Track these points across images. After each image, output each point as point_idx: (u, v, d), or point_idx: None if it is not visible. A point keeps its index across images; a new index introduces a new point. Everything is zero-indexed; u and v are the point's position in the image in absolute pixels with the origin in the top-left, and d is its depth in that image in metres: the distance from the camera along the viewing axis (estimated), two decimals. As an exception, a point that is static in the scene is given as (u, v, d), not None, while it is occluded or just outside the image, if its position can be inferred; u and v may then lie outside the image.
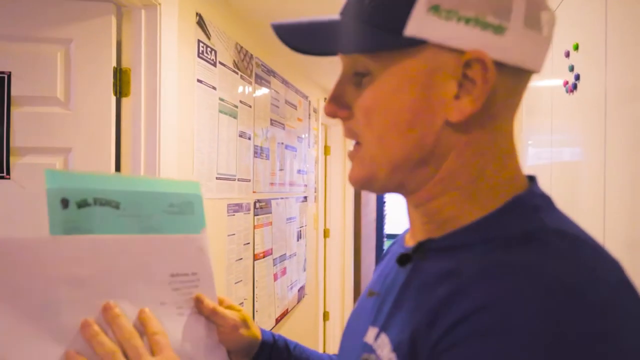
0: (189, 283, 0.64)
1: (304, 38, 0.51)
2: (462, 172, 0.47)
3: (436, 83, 0.44)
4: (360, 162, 0.49)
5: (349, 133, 0.50)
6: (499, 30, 0.43)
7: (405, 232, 0.62)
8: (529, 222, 0.44)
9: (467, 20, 0.42)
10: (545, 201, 0.47)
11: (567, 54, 1.22)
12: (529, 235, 0.42)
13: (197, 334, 0.63)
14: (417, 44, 0.43)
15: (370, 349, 0.49)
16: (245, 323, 0.68)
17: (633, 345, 0.37)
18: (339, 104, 0.49)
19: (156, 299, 0.60)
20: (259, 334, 0.71)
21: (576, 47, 1.16)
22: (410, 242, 0.55)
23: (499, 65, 0.43)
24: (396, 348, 0.45)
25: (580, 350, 0.35)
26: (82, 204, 0.59)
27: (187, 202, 0.67)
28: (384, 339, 0.48)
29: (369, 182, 0.49)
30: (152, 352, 0.55)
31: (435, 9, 0.42)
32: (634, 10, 0.91)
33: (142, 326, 0.57)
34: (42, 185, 1.47)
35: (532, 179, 0.50)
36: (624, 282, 0.40)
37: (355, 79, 0.48)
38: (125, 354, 0.53)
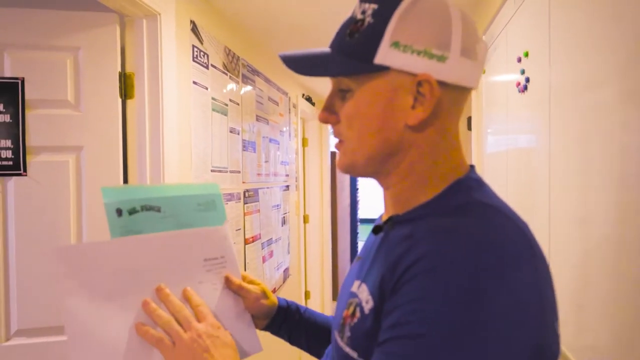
0: (218, 265, 0.79)
1: (304, 65, 0.64)
2: (420, 162, 0.62)
3: (397, 97, 0.60)
4: (344, 154, 0.65)
5: (337, 134, 0.66)
6: (441, 59, 0.58)
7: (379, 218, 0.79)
8: (463, 198, 0.59)
9: (418, 53, 0.58)
10: (478, 183, 0.63)
11: (519, 60, 1.43)
12: (461, 207, 0.58)
13: (229, 304, 0.80)
14: (383, 69, 0.59)
15: (354, 295, 0.63)
16: (264, 294, 0.86)
17: (525, 284, 0.50)
18: (330, 113, 0.65)
19: (195, 279, 0.75)
20: (276, 301, 0.89)
21: (526, 54, 1.37)
22: (383, 219, 0.70)
23: (443, 84, 0.59)
24: (371, 292, 0.58)
25: (488, 282, 0.48)
26: (132, 212, 0.74)
27: (210, 200, 0.82)
28: (364, 286, 0.61)
29: (351, 168, 0.66)
30: (198, 320, 0.71)
31: (395, 44, 0.58)
32: (573, 24, 1.08)
33: (186, 301, 0.73)
34: (57, 181, 1.69)
35: (472, 167, 0.66)
36: (527, 241, 0.54)
37: (340, 94, 0.64)
38: (178, 322, 0.69)
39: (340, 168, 0.68)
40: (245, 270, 2.30)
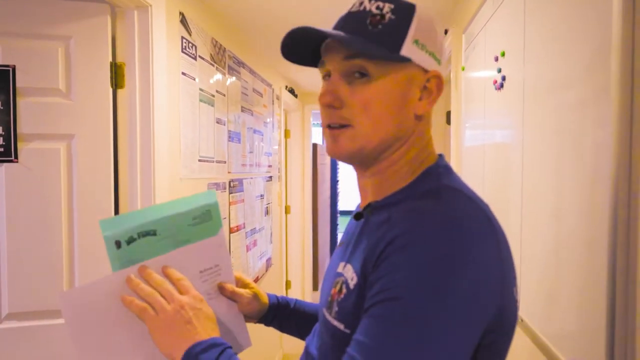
0: (213, 274, 0.82)
1: (343, 40, 0.64)
2: (413, 149, 0.70)
3: (411, 88, 0.67)
4: (350, 139, 0.67)
5: (340, 118, 0.67)
6: (439, 62, 0.69)
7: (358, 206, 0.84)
8: (432, 183, 0.66)
9: (429, 53, 0.68)
10: (446, 169, 0.70)
11: (496, 59, 1.51)
12: (430, 191, 0.65)
13: (223, 310, 0.84)
14: (406, 60, 0.66)
15: (340, 275, 0.68)
16: (256, 296, 0.91)
17: (487, 253, 0.58)
18: (336, 95, 0.67)
19: (207, 288, 0.80)
20: (267, 301, 0.94)
21: (503, 54, 1.46)
22: (362, 206, 0.75)
23: None
24: (355, 270, 0.64)
25: (454, 251, 0.55)
26: (130, 241, 0.75)
27: (206, 211, 0.83)
28: (349, 266, 0.67)
29: (358, 152, 0.68)
30: (180, 293, 0.74)
31: (416, 42, 0.66)
32: (546, 25, 1.15)
33: (167, 277, 0.75)
34: (48, 168, 1.73)
35: (440, 155, 0.74)
36: (487, 217, 0.62)
37: (347, 79, 0.66)
38: (161, 296, 0.72)
39: (341, 153, 0.68)
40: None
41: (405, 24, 0.66)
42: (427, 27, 0.67)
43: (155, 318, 0.71)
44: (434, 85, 0.68)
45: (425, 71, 0.68)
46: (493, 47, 1.55)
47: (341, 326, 0.64)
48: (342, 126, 0.67)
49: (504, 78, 1.45)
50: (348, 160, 0.70)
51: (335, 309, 0.66)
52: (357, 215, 0.72)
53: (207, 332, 0.71)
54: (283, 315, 0.97)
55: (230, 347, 0.70)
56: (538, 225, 1.16)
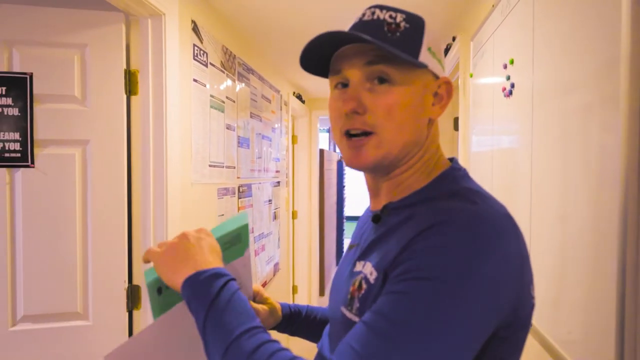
0: None
1: (375, 44, 0.64)
2: (427, 153, 0.72)
3: (426, 93, 0.70)
4: (376, 146, 0.67)
5: (363, 125, 0.67)
6: (444, 69, 0.72)
7: (368, 209, 0.84)
8: (453, 186, 0.68)
9: (438, 60, 0.71)
10: (462, 172, 0.72)
11: (505, 66, 1.53)
12: (453, 192, 0.66)
13: None
14: (424, 67, 0.68)
15: (358, 273, 0.68)
16: (272, 311, 0.93)
17: (510, 250, 0.59)
18: (358, 102, 0.67)
19: None
20: (280, 314, 0.95)
21: (512, 62, 1.48)
22: (375, 207, 0.76)
23: None
24: (375, 266, 0.65)
25: (482, 246, 0.57)
26: (168, 286, 0.73)
27: (236, 235, 0.85)
28: (367, 264, 0.67)
29: (382, 160, 0.68)
30: None
31: (429, 49, 0.69)
32: (555, 32, 1.17)
33: None
34: (63, 173, 1.74)
35: (452, 159, 0.75)
36: (509, 216, 0.64)
37: (367, 86, 0.67)
38: None
39: (367, 162, 0.68)
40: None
41: (420, 32, 0.68)
42: (434, 36, 0.70)
43: (161, 252, 0.71)
44: (445, 91, 0.71)
45: (436, 77, 0.71)
46: (502, 54, 1.57)
47: None
48: (365, 134, 0.67)
49: (512, 85, 1.47)
50: (372, 169, 0.71)
51: (357, 305, 0.66)
52: (376, 218, 0.72)
53: (210, 261, 0.69)
54: (295, 324, 0.98)
55: (235, 279, 0.68)
56: (546, 229, 1.18)
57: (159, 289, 0.74)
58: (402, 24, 0.67)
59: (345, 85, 0.70)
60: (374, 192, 0.76)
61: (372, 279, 0.64)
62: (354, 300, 0.67)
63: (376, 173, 0.73)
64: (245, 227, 0.86)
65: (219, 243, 0.82)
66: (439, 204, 0.64)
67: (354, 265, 0.71)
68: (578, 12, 1.04)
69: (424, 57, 0.68)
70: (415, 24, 0.68)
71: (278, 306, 0.96)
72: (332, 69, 0.71)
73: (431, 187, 0.69)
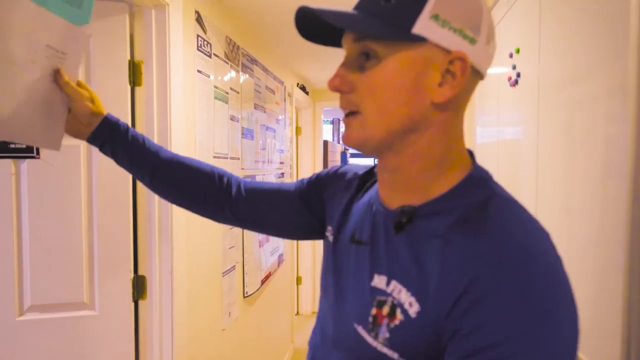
0: (57, 58, 0.79)
1: (333, 17, 0.57)
2: (437, 145, 0.60)
3: (427, 71, 0.57)
4: (360, 126, 0.60)
5: (347, 104, 0.61)
6: (472, 41, 0.57)
7: (358, 173, 0.80)
8: (484, 192, 0.59)
9: (455, 30, 0.57)
10: (488, 174, 0.63)
11: (511, 55, 1.52)
12: (485, 202, 0.58)
13: (50, 94, 0.80)
14: (420, 40, 0.56)
15: (384, 293, 0.60)
16: (91, 99, 0.88)
17: (567, 282, 0.53)
18: (343, 80, 0.60)
19: (30, 55, 0.75)
20: (102, 111, 0.90)
21: (518, 51, 1.47)
22: (389, 203, 0.66)
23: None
24: (415, 295, 0.56)
25: (550, 292, 0.50)
26: None
27: None
28: (397, 285, 0.59)
29: (365, 141, 0.61)
30: None
31: (435, 17, 0.56)
32: (562, 22, 1.16)
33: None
34: (68, 164, 1.76)
35: (471, 153, 0.65)
36: (548, 234, 0.56)
37: (358, 62, 0.60)
38: None
39: (350, 142, 0.62)
40: (243, 255, 2.39)
41: None
42: (457, 3, 0.57)
43: None
44: (459, 68, 0.57)
45: (448, 52, 0.57)
46: (507, 43, 1.56)
47: (395, 355, 0.58)
48: (352, 113, 0.61)
49: (518, 75, 1.46)
50: (358, 148, 0.63)
51: (386, 335, 0.58)
52: (399, 226, 0.62)
53: None
54: (120, 140, 0.90)
55: None
56: (552, 221, 1.17)
57: None
58: None
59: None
60: (383, 184, 0.68)
61: (412, 312, 0.57)
62: (379, 327, 0.59)
63: (372, 155, 0.65)
64: None
65: None
66: (480, 226, 0.56)
67: (371, 277, 0.63)
68: (586, 1, 1.02)
69: (427, 26, 0.56)
70: None
71: (101, 103, 0.90)
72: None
73: (459, 192, 0.60)
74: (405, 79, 0.57)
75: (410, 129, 0.60)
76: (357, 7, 0.60)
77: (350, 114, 0.62)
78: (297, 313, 4.38)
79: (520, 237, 0.54)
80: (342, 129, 0.68)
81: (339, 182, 0.84)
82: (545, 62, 1.26)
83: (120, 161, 0.93)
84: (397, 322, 0.58)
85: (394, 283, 0.59)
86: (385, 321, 0.59)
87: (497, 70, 1.71)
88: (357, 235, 0.70)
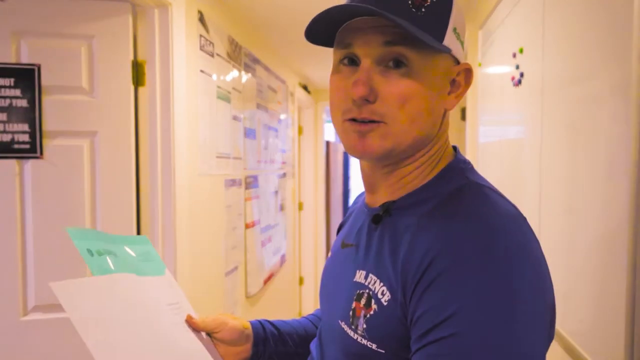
0: (177, 309, 0.81)
1: (393, 19, 0.54)
2: (437, 147, 0.63)
3: (444, 82, 0.60)
4: (383, 137, 0.58)
5: (372, 113, 0.57)
6: (463, 52, 0.62)
7: (361, 196, 0.78)
8: (459, 180, 0.61)
9: (461, 42, 0.61)
10: (467, 165, 0.64)
11: (514, 55, 1.52)
12: (459, 189, 0.59)
13: (201, 341, 0.79)
14: (447, 51, 0.58)
15: (363, 286, 0.61)
16: (227, 317, 0.82)
17: (538, 258, 0.54)
18: (371, 89, 0.57)
19: (171, 321, 0.77)
20: (245, 321, 0.84)
21: (521, 51, 1.46)
22: (372, 204, 0.67)
23: None
24: (386, 284, 0.58)
25: (511, 267, 0.50)
26: (99, 253, 0.77)
27: (146, 252, 0.84)
28: (372, 277, 0.60)
29: (391, 152, 0.59)
30: None
31: (454, 30, 0.59)
32: (565, 21, 1.16)
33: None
34: (72, 164, 1.76)
35: (455, 148, 0.68)
36: (523, 217, 0.58)
37: (380, 69, 0.57)
38: None
39: (372, 152, 0.60)
40: (246, 255, 2.39)
41: (448, 7, 0.58)
42: (461, 14, 0.61)
43: None
44: (463, 79, 0.61)
45: (457, 63, 0.61)
46: (511, 43, 1.56)
47: (373, 345, 0.58)
48: (372, 121, 0.58)
49: (522, 75, 1.46)
50: (377, 160, 0.62)
51: (364, 326, 0.59)
52: (376, 219, 0.63)
53: None
54: (274, 336, 0.85)
55: None
56: (555, 220, 1.17)
57: (89, 250, 0.76)
58: None
59: (352, 61, 0.60)
60: (370, 184, 0.67)
61: (383, 300, 0.57)
62: (358, 319, 0.60)
63: (377, 164, 0.64)
64: (151, 247, 0.87)
65: (134, 252, 0.82)
66: (443, 210, 0.57)
67: (354, 274, 0.63)
68: (589, 1, 1.02)
69: (450, 39, 0.58)
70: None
71: (232, 315, 0.86)
72: (340, 40, 0.61)
73: (435, 183, 0.62)
74: (434, 89, 0.59)
75: (429, 136, 0.62)
76: (387, 10, 0.57)
77: (369, 123, 0.58)
78: (300, 313, 4.38)
79: (487, 217, 0.54)
80: (347, 135, 0.62)
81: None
82: (549, 61, 1.26)
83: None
84: (371, 312, 0.58)
85: (370, 276, 0.60)
86: (362, 313, 0.59)
87: (500, 70, 1.71)
88: (346, 240, 0.71)
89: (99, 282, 0.74)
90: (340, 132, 0.63)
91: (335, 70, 0.62)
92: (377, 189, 0.66)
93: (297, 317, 0.96)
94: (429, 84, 0.58)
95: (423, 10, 0.56)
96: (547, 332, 0.54)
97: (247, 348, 0.82)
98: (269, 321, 0.88)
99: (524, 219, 0.58)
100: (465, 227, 0.53)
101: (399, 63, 0.57)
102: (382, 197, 0.65)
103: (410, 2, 0.56)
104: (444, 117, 0.64)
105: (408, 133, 0.59)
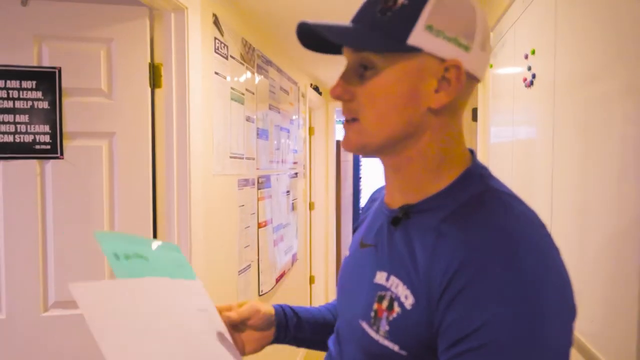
0: (207, 317, 0.80)
1: (333, 33, 0.60)
2: (434, 147, 0.64)
3: (424, 79, 0.61)
4: (358, 133, 0.64)
5: (349, 112, 0.64)
6: (466, 49, 0.61)
7: (379, 193, 0.80)
8: (479, 186, 0.62)
9: (449, 39, 0.60)
10: (486, 170, 0.66)
11: (526, 56, 1.53)
12: (480, 195, 0.60)
13: (228, 350, 0.78)
14: (415, 50, 0.59)
15: (384, 288, 0.62)
16: (259, 304, 0.85)
17: (561, 271, 0.54)
18: (345, 89, 0.63)
19: (200, 327, 0.76)
20: (271, 307, 0.88)
21: (533, 52, 1.48)
22: (392, 204, 0.69)
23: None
24: (410, 288, 0.59)
25: (538, 278, 0.51)
26: (127, 257, 0.75)
27: (177, 258, 0.85)
28: (395, 280, 0.61)
29: (364, 147, 0.65)
30: None
31: (429, 28, 0.59)
32: (578, 22, 1.16)
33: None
34: (91, 165, 1.79)
35: (472, 152, 0.68)
36: (542, 224, 0.58)
37: (358, 72, 0.62)
38: None
39: (349, 147, 0.66)
40: (259, 254, 2.42)
41: (417, 8, 0.59)
42: (450, 9, 0.60)
43: None
44: (453, 76, 0.61)
45: (442, 60, 0.61)
46: (523, 44, 1.57)
47: (395, 347, 0.60)
48: (351, 120, 0.65)
49: (534, 76, 1.47)
50: (357, 152, 0.68)
51: (386, 327, 0.61)
52: (395, 221, 0.66)
53: None
54: (293, 323, 0.90)
55: None
56: (567, 221, 1.18)
57: (116, 254, 0.74)
58: (400, 1, 0.60)
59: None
60: (388, 183, 0.72)
61: (407, 304, 0.59)
62: (380, 320, 0.62)
63: (383, 162, 0.69)
64: (182, 254, 0.88)
65: (168, 257, 0.82)
66: (467, 217, 0.58)
67: (374, 274, 0.66)
68: (601, 1, 1.03)
69: (422, 37, 0.59)
70: (416, 0, 0.60)
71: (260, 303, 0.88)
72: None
73: (455, 188, 0.63)
74: (402, 88, 0.61)
75: (408, 133, 0.63)
76: (354, 20, 0.63)
77: (350, 121, 0.65)
78: (310, 312, 4.41)
79: (509, 226, 0.56)
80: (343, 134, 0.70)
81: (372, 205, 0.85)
82: (561, 62, 1.27)
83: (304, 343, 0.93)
84: (394, 314, 0.60)
85: (392, 278, 0.62)
86: (384, 314, 0.61)
87: (512, 71, 1.72)
88: (365, 240, 0.73)
89: (121, 285, 0.73)
90: None
91: None
92: (392, 188, 0.69)
93: None
94: (396, 83, 0.61)
95: (389, 13, 0.60)
96: (571, 337, 0.55)
97: (270, 333, 0.87)
98: (290, 307, 0.91)
99: (543, 225, 0.59)
100: (488, 236, 0.55)
101: (365, 66, 0.62)
102: (398, 198, 0.68)
103: (380, 7, 0.61)
104: (436, 115, 0.63)
105: (378, 130, 0.63)
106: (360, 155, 0.78)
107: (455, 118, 0.65)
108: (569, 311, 0.54)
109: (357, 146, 0.65)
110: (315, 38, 0.65)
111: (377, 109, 0.62)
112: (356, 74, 0.63)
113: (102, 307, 0.69)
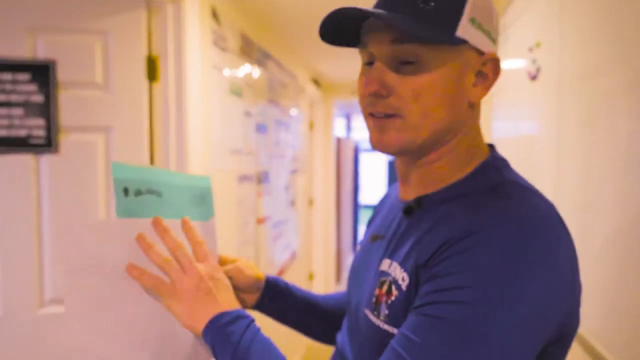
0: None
1: (392, 20, 0.57)
2: (465, 141, 0.63)
3: (465, 73, 0.60)
4: (400, 130, 0.60)
5: (387, 107, 0.60)
6: (495, 42, 0.62)
7: (394, 190, 0.79)
8: (496, 178, 0.61)
9: (484, 32, 0.60)
10: (504, 163, 0.65)
11: (531, 50, 1.51)
12: (496, 186, 0.60)
13: None
14: (462, 42, 0.58)
15: (386, 274, 0.63)
16: (245, 267, 0.85)
17: (560, 264, 0.54)
18: (382, 83, 0.60)
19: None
20: (260, 273, 0.88)
21: (538, 45, 1.45)
22: (405, 197, 0.69)
23: None
24: (406, 269, 0.59)
25: (526, 262, 0.51)
26: (137, 193, 0.71)
27: (202, 195, 0.81)
28: (396, 265, 0.61)
29: (408, 145, 0.61)
30: (197, 260, 0.68)
31: (472, 20, 0.58)
32: (583, 16, 1.15)
33: (185, 235, 0.70)
34: (87, 160, 1.74)
35: (492, 146, 0.68)
36: (559, 217, 0.58)
37: (393, 65, 0.59)
38: (177, 261, 0.66)
39: (390, 145, 0.62)
40: (257, 249, 2.40)
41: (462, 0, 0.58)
42: (485, 2, 0.60)
43: (173, 291, 0.65)
44: (490, 69, 0.61)
45: (481, 53, 0.60)
46: (528, 37, 1.54)
47: (394, 331, 0.59)
48: (389, 116, 0.61)
49: (538, 69, 1.45)
50: (396, 153, 0.64)
51: (385, 312, 0.61)
52: (408, 210, 0.65)
53: (229, 303, 0.67)
54: (282, 295, 0.89)
55: (254, 320, 0.66)
56: (572, 216, 1.17)
57: (126, 189, 0.70)
58: None
59: (372, 62, 0.62)
60: (403, 178, 0.69)
61: (404, 285, 0.59)
62: (380, 305, 0.62)
63: (403, 158, 0.66)
64: (210, 191, 0.83)
65: (187, 194, 0.78)
66: (478, 202, 0.58)
67: (380, 263, 0.65)
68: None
69: (466, 29, 0.58)
70: None
71: (254, 266, 0.88)
72: (361, 41, 0.63)
73: (471, 179, 0.62)
74: (449, 82, 0.59)
75: (450, 129, 0.62)
76: (384, 7, 0.60)
77: (386, 117, 0.61)
78: (309, 308, 4.39)
79: (521, 209, 0.55)
80: (370, 131, 0.65)
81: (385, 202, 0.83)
82: (566, 55, 1.24)
83: (275, 313, 0.91)
84: (392, 298, 0.60)
85: (394, 264, 0.62)
86: (384, 299, 0.61)
87: (516, 64, 1.69)
88: (375, 232, 0.74)
89: (114, 226, 0.68)
90: (366, 127, 0.65)
91: (361, 72, 0.65)
92: (409, 183, 0.68)
93: None
94: (444, 77, 0.59)
95: (432, 3, 0.57)
96: (539, 341, 0.54)
97: (254, 297, 0.86)
98: (286, 283, 0.91)
99: (560, 219, 0.58)
100: (495, 216, 0.54)
101: (404, 59, 0.59)
102: (414, 191, 0.67)
103: None
104: (471, 109, 0.63)
105: (425, 125, 0.60)
106: (398, 156, 0.70)
107: (479, 112, 0.65)
108: (549, 315, 0.53)
109: (401, 143, 0.61)
110: (339, 28, 0.63)
111: (424, 104, 0.59)
112: (391, 66, 0.60)
113: (80, 250, 0.66)
